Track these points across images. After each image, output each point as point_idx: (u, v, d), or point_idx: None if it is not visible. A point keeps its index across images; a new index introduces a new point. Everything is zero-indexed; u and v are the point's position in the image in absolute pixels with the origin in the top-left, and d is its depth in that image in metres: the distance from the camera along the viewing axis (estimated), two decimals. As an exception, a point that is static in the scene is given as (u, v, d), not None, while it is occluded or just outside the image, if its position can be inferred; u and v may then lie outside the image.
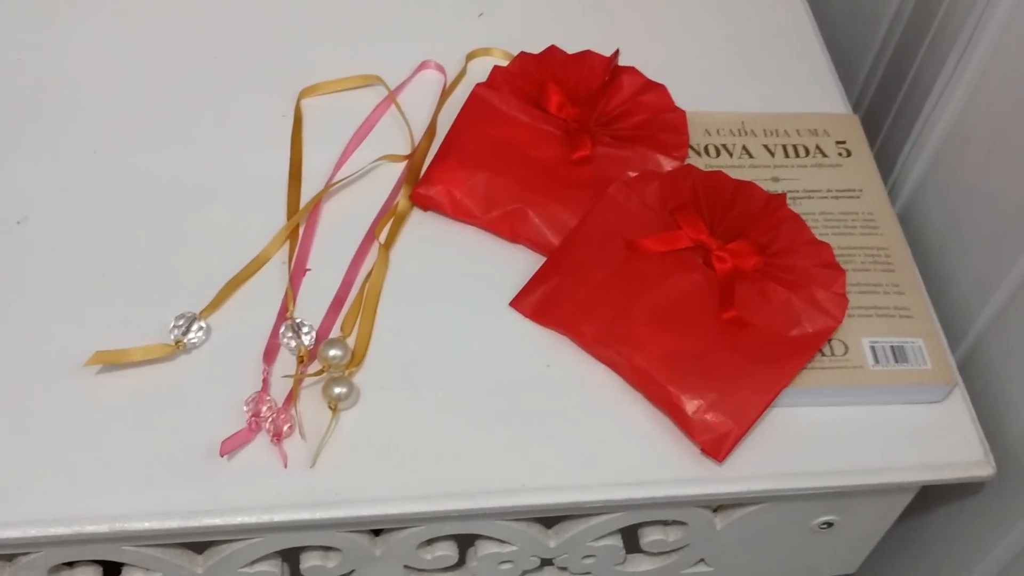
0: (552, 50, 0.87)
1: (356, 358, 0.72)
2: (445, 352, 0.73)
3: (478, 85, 0.84)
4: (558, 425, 0.71)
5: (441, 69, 0.90)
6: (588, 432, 0.71)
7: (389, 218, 0.79)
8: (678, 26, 0.95)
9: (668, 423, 0.71)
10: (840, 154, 0.85)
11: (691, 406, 0.70)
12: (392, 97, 0.87)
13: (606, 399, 0.72)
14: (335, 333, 0.73)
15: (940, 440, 0.73)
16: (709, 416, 0.70)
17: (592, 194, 0.79)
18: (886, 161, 0.91)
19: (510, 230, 0.79)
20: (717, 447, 0.69)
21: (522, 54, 0.86)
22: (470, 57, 0.90)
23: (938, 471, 0.72)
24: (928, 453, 0.72)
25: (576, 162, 0.81)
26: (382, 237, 0.78)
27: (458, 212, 0.79)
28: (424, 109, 0.87)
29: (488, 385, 0.72)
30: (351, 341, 0.73)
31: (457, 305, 0.76)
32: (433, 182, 0.80)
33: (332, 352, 0.71)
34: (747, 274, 0.74)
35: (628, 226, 0.77)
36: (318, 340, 0.72)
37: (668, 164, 0.81)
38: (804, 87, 0.91)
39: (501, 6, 0.95)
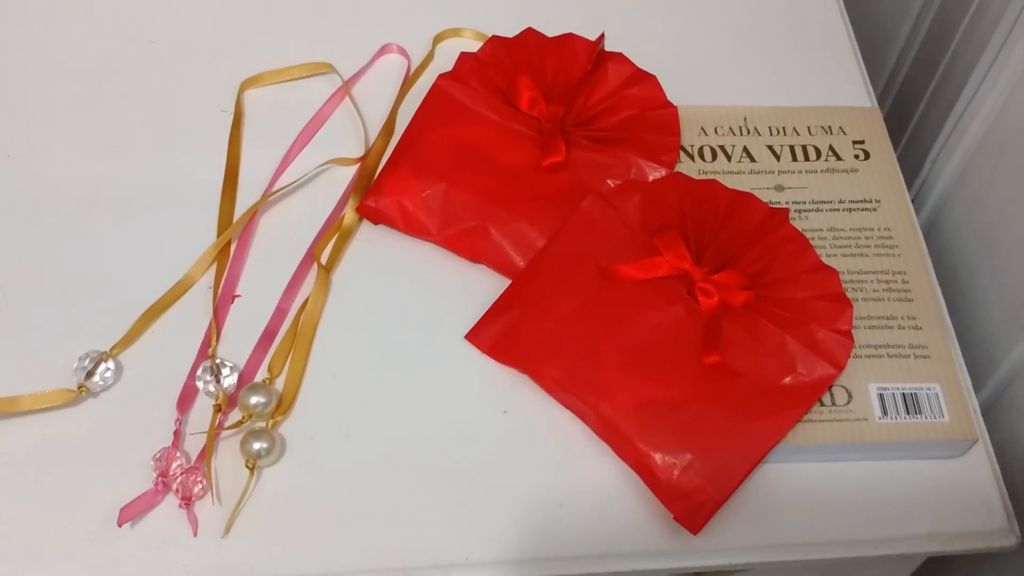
0: (528, 34, 0.76)
1: (284, 404, 0.63)
2: (388, 395, 0.64)
3: (440, 76, 0.74)
4: (513, 484, 0.62)
5: (404, 53, 0.79)
6: (547, 492, 0.62)
7: (333, 234, 0.70)
8: (676, 4, 0.84)
9: (639, 484, 0.62)
10: (857, 156, 0.74)
11: (664, 468, 0.61)
12: (346, 88, 0.77)
13: (569, 453, 0.63)
14: (262, 374, 0.65)
15: (956, 503, 0.63)
16: (684, 480, 0.60)
17: (565, 207, 0.69)
18: (911, 166, 0.80)
19: (469, 249, 0.69)
20: (691, 518, 0.60)
21: (493, 39, 0.76)
22: (438, 39, 0.80)
23: (951, 541, 0.62)
24: (942, 519, 0.63)
25: (548, 169, 0.70)
26: (324, 257, 0.69)
27: (411, 227, 0.70)
28: (383, 101, 0.77)
29: (435, 435, 0.63)
30: (280, 383, 0.64)
31: (405, 338, 0.67)
32: (383, 193, 0.70)
33: (254, 400, 0.62)
34: (736, 310, 0.64)
35: (603, 248, 0.67)
36: (241, 383, 0.64)
37: (654, 172, 0.71)
38: (822, 75, 0.80)
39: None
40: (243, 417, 0.62)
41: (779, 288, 0.65)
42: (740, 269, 0.65)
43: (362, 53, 0.79)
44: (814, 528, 0.62)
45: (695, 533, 0.60)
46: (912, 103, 0.84)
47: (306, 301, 0.67)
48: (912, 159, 0.78)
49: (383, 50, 0.79)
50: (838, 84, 0.79)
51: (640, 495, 0.62)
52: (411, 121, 0.73)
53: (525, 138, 0.72)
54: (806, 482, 0.63)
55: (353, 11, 0.82)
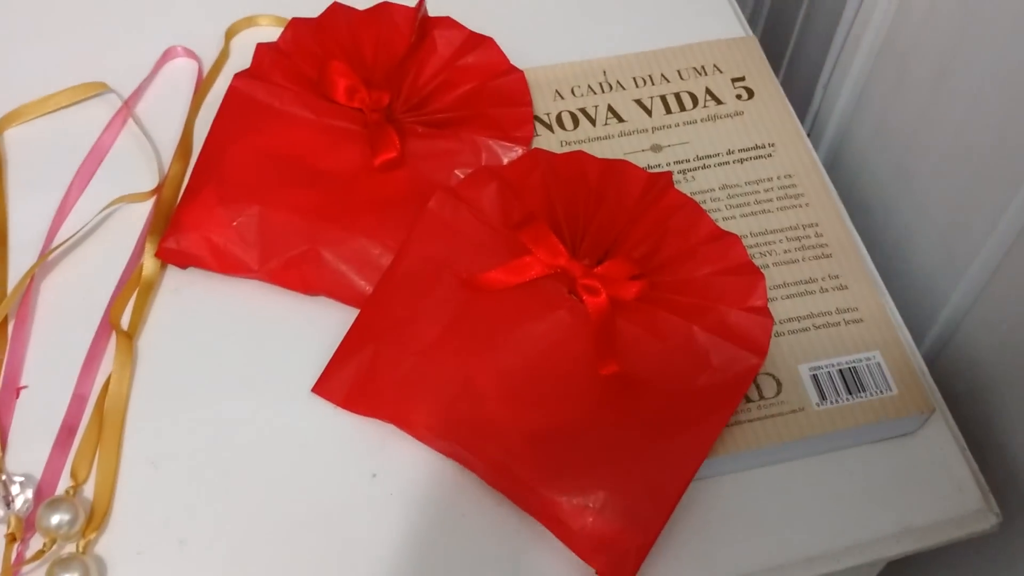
0: (335, 10, 0.64)
1: (96, 517, 0.50)
2: (227, 480, 0.52)
3: (236, 76, 0.61)
4: (397, 562, 0.50)
5: (192, 56, 0.66)
6: (440, 566, 0.50)
7: (131, 290, 0.57)
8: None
9: (550, 537, 0.51)
10: (739, 96, 0.63)
11: (574, 514, 0.49)
12: (127, 108, 0.63)
13: (460, 512, 0.52)
14: (65, 483, 0.52)
15: (922, 488, 0.54)
16: (600, 526, 0.49)
17: (409, 212, 0.57)
18: (799, 96, 0.69)
19: (301, 281, 0.57)
20: (618, 570, 0.49)
21: (294, 22, 0.63)
22: (230, 33, 0.67)
23: (924, 536, 0.53)
24: (909, 511, 0.53)
25: (382, 169, 0.58)
26: (124, 321, 0.56)
27: (225, 266, 0.57)
28: (176, 118, 0.64)
29: (292, 519, 0.51)
30: (88, 490, 0.51)
31: (239, 404, 0.54)
32: (185, 228, 0.57)
33: (56, 519, 0.49)
34: (629, 304, 0.53)
35: (461, 255, 0.55)
36: (38, 499, 0.51)
37: (509, 152, 0.59)
38: (682, 9, 0.69)
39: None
40: (45, 544, 0.49)
41: (675, 269, 0.54)
42: (626, 254, 0.54)
43: (143, 64, 0.66)
44: (766, 551, 0.51)
45: (625, 587, 0.49)
46: (786, 22, 0.73)
47: (108, 380, 0.54)
48: (799, 88, 0.68)
49: (167, 55, 0.66)
50: (702, 16, 0.69)
51: (556, 550, 0.50)
52: (208, 135, 0.60)
53: (349, 135, 0.59)
54: (746, 496, 0.53)
55: (126, 15, 0.68)
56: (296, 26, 0.63)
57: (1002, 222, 0.55)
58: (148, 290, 0.57)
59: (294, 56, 0.62)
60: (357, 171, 0.59)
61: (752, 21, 0.79)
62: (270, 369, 0.55)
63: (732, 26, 0.68)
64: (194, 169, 0.59)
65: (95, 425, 0.53)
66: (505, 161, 0.59)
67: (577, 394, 0.52)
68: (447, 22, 0.63)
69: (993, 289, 0.57)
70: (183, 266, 0.58)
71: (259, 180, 0.58)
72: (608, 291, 0.53)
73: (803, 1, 0.70)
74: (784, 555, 0.51)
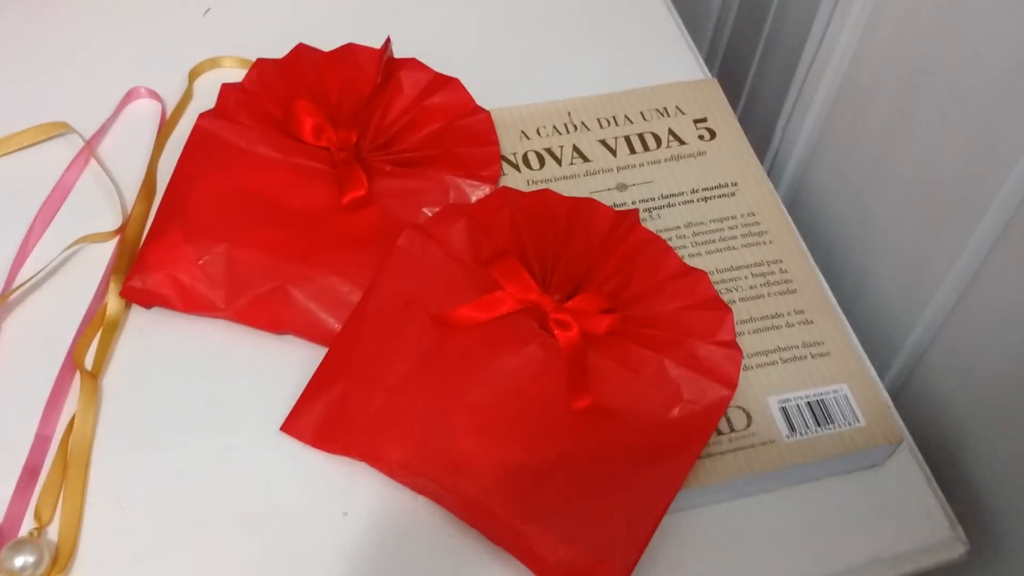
0: (300, 51, 0.64)
1: (61, 559, 0.49)
2: (195, 520, 0.51)
3: (201, 116, 0.61)
4: (369, 603, 0.50)
5: (156, 96, 0.66)
6: (413, 606, 0.50)
7: (95, 330, 0.56)
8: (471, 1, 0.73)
9: (527, 574, 0.50)
10: (702, 137, 0.64)
11: (548, 547, 0.49)
12: (89, 148, 0.63)
13: (435, 549, 0.51)
14: (28, 525, 0.50)
15: (891, 518, 0.54)
16: (576, 558, 0.49)
17: (378, 250, 0.57)
18: (757, 138, 0.70)
19: (269, 319, 0.56)
20: (595, 603, 0.49)
21: (259, 62, 0.63)
22: (194, 74, 0.67)
23: (895, 565, 0.53)
24: (879, 541, 0.53)
25: (350, 207, 0.58)
26: (88, 361, 0.55)
27: (192, 305, 0.56)
28: (139, 158, 0.63)
29: (261, 559, 0.50)
30: (53, 532, 0.50)
31: (206, 444, 0.53)
32: (150, 267, 0.56)
33: (20, 561, 0.48)
34: (601, 338, 0.53)
35: (432, 291, 0.55)
36: (0, 542, 0.49)
37: (476, 190, 0.60)
38: (644, 54, 0.71)
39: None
40: (7, 588, 0.48)
41: (644, 303, 0.55)
42: (596, 288, 0.55)
43: (106, 105, 0.65)
44: (738, 582, 0.51)
45: (602, 621, 0.49)
46: (742, 64, 0.75)
47: (72, 420, 0.53)
48: (756, 129, 0.69)
49: (129, 96, 0.65)
50: (663, 60, 0.70)
51: (528, 586, 0.50)
52: (173, 174, 0.59)
53: (316, 174, 0.59)
54: (720, 529, 0.53)
55: (88, 56, 0.68)
56: (261, 67, 0.63)
57: (963, 254, 0.56)
58: (112, 329, 0.56)
59: (259, 96, 0.62)
60: (325, 210, 0.59)
61: (708, 62, 0.80)
62: (238, 408, 0.55)
63: (691, 68, 0.69)
64: (159, 208, 0.59)
65: (59, 466, 0.52)
66: (473, 199, 0.59)
67: (551, 428, 0.51)
68: (413, 63, 0.64)
69: (955, 321, 0.58)
70: (148, 306, 0.57)
71: (225, 218, 0.57)
72: (580, 325, 0.53)
73: (759, 43, 0.72)
74: (754, 585, 0.51)
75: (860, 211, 0.64)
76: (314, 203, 0.59)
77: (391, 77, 0.63)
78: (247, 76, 0.63)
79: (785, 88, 0.69)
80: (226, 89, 0.62)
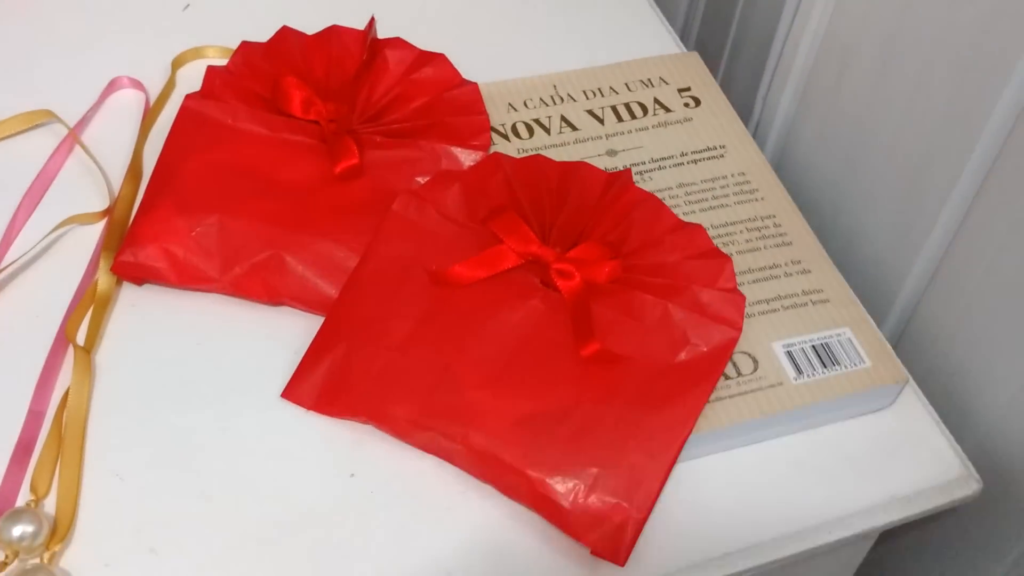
0: (285, 33, 0.64)
1: (60, 529, 0.47)
2: (197, 488, 0.50)
3: (188, 97, 0.60)
4: (383, 561, 0.48)
5: (139, 86, 0.65)
6: (427, 561, 0.48)
7: (87, 307, 0.55)
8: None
9: (538, 524, 0.49)
10: (687, 105, 0.65)
11: (564, 493, 0.48)
12: (74, 135, 0.62)
13: (444, 506, 0.50)
14: (24, 497, 0.49)
15: (902, 459, 0.54)
16: (593, 502, 0.48)
17: (372, 218, 0.57)
18: (740, 101, 0.71)
19: (265, 288, 0.55)
20: (613, 546, 0.47)
21: (244, 45, 0.63)
22: (177, 64, 0.66)
23: (910, 504, 0.52)
24: (892, 481, 0.53)
25: (342, 177, 0.58)
26: (80, 336, 0.54)
27: (185, 278, 0.55)
28: (124, 146, 0.63)
29: (269, 526, 0.49)
30: (50, 504, 0.48)
31: (205, 413, 0.52)
32: (141, 241, 0.55)
33: (18, 531, 0.46)
34: (603, 288, 0.53)
35: (429, 251, 0.55)
36: (-4, 514, 0.48)
37: (468, 157, 0.59)
38: (620, 33, 0.71)
39: (213, -7, 0.72)
40: (7, 557, 0.46)
41: (644, 255, 0.55)
42: (596, 240, 0.54)
43: (89, 95, 0.65)
44: (759, 526, 0.51)
45: (622, 564, 0.48)
46: (718, 39, 0.76)
47: (66, 395, 0.51)
48: (737, 101, 0.69)
49: (112, 85, 0.65)
50: (640, 38, 0.71)
51: (544, 536, 0.49)
52: (162, 152, 0.59)
53: (306, 148, 0.59)
54: (731, 475, 0.52)
55: (71, 47, 0.67)
56: (246, 49, 0.63)
57: (952, 195, 0.57)
58: (104, 305, 0.55)
59: (245, 77, 0.62)
60: (317, 182, 0.58)
61: (683, 39, 0.81)
62: (237, 378, 0.53)
63: (666, 45, 0.70)
64: (148, 185, 0.58)
65: (54, 439, 0.50)
66: (465, 167, 0.59)
67: (558, 377, 0.51)
68: (397, 42, 0.64)
69: (947, 269, 0.58)
70: (140, 281, 0.56)
71: (217, 191, 0.57)
72: (582, 274, 0.52)
73: (734, 16, 0.73)
74: (777, 528, 0.51)
75: (847, 170, 0.64)
76: (305, 176, 0.58)
77: (376, 56, 0.63)
78: (232, 59, 0.63)
79: (763, 59, 0.69)
80: (211, 71, 0.62)
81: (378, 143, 0.59)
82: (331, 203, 0.57)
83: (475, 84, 0.62)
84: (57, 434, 0.50)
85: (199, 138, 0.59)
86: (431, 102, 0.61)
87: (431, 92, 0.62)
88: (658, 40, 0.71)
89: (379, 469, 0.51)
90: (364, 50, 0.62)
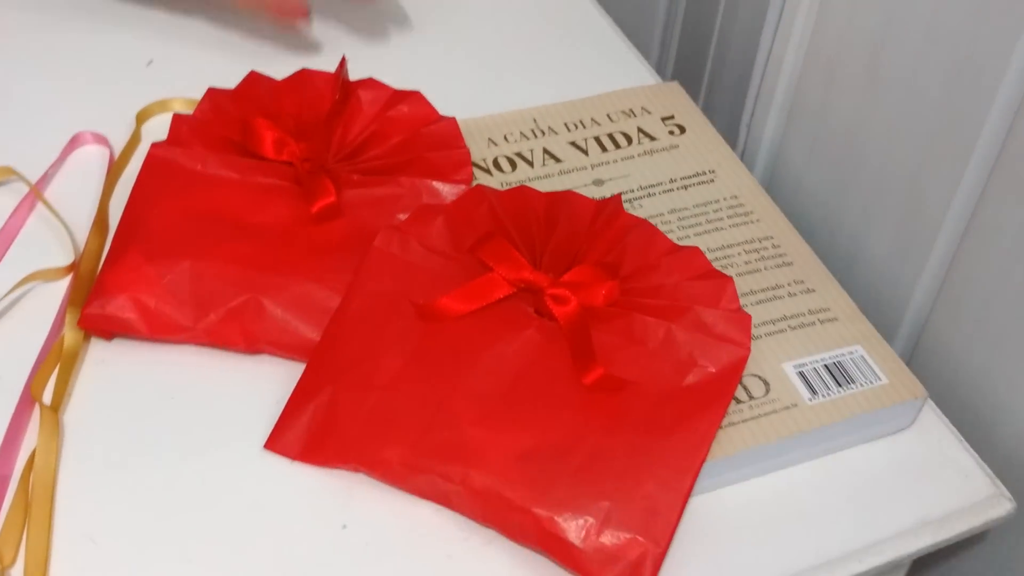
0: (253, 78, 0.62)
1: (28, 599, 0.43)
2: (178, 550, 0.46)
3: (154, 145, 0.58)
4: (380, 616, 0.44)
5: (103, 141, 0.63)
6: (429, 614, 0.45)
7: (53, 364, 0.51)
8: (420, 22, 0.72)
9: (548, 568, 0.46)
10: (672, 132, 0.63)
11: (575, 531, 0.45)
12: (36, 192, 0.59)
13: (443, 555, 0.46)
14: (-13, 567, 0.45)
15: (929, 481, 0.51)
16: (607, 538, 0.44)
17: (353, 256, 0.54)
18: (724, 129, 0.69)
19: (243, 336, 0.52)
20: (633, 583, 0.44)
21: (211, 92, 0.61)
22: (142, 117, 0.64)
23: (943, 527, 0.49)
24: (921, 504, 0.50)
25: (320, 217, 0.55)
26: (47, 396, 0.50)
27: (158, 328, 0.52)
28: (88, 202, 0.60)
29: (257, 582, 0.45)
30: (17, 573, 0.44)
31: (184, 469, 0.48)
32: (109, 291, 0.52)
33: (-20, 602, 0.42)
34: (601, 312, 0.50)
35: (415, 286, 0.52)
36: (-43, 587, 0.44)
37: (451, 191, 0.57)
38: (596, 71, 0.70)
39: (177, 49, 0.69)
40: (-32, 634, 0.42)
41: (641, 278, 0.52)
42: (591, 263, 0.52)
43: (50, 151, 0.62)
44: (785, 558, 0.47)
45: (643, 603, 0.44)
46: (695, 70, 0.74)
47: (32, 456, 0.48)
48: (720, 130, 0.67)
49: (75, 141, 0.62)
50: (615, 74, 0.69)
51: (554, 578, 0.46)
52: (128, 201, 0.56)
53: (279, 191, 0.56)
54: (753, 506, 0.49)
55: (30, 103, 0.65)
56: (213, 95, 0.61)
57: (955, 201, 0.55)
58: (72, 361, 0.51)
59: (213, 124, 0.59)
60: (292, 225, 0.55)
61: (659, 71, 0.80)
62: (215, 431, 0.50)
63: (644, 80, 0.68)
64: (115, 235, 0.55)
65: (20, 503, 0.46)
66: (447, 201, 0.57)
67: (561, 408, 0.48)
68: (370, 83, 0.61)
69: (954, 280, 0.56)
70: (109, 336, 0.53)
71: (187, 237, 0.54)
72: (578, 298, 0.50)
73: (710, 46, 0.71)
74: (804, 560, 0.47)
75: (840, 185, 0.62)
76: (279, 219, 0.55)
77: (350, 96, 0.61)
78: (199, 106, 0.60)
79: (744, 84, 0.68)
80: (177, 119, 0.59)
81: (356, 181, 0.57)
82: (309, 244, 0.54)
83: (453, 119, 0.60)
84: (24, 498, 0.46)
85: (167, 185, 0.56)
86: (408, 139, 0.59)
87: (408, 129, 0.59)
88: (634, 74, 0.69)
89: (373, 519, 0.47)
90: (337, 90, 0.60)
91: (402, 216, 0.56)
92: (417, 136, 0.59)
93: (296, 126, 0.59)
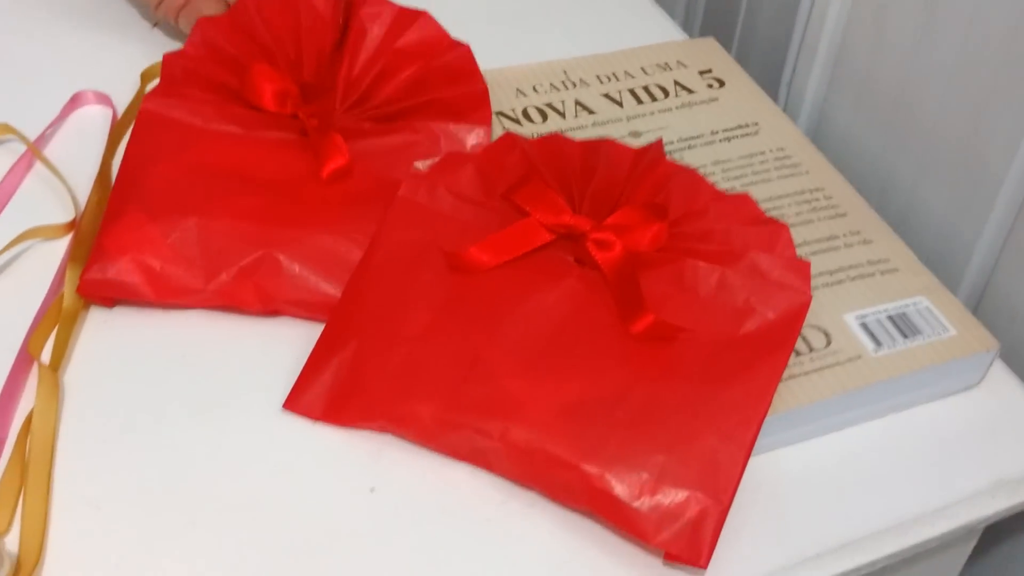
0: (245, 2, 0.56)
1: (25, 568, 0.39)
2: (190, 515, 0.42)
3: (147, 97, 0.53)
4: (413, 584, 0.40)
5: (106, 100, 0.59)
6: (466, 582, 0.40)
7: (52, 323, 0.47)
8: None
9: (597, 531, 0.42)
10: (711, 86, 0.59)
11: (628, 487, 0.41)
12: (33, 149, 0.55)
13: (480, 519, 0.42)
14: (-20, 534, 0.41)
15: (1001, 438, 0.47)
16: (662, 496, 0.40)
17: (373, 206, 0.50)
18: (760, 85, 0.65)
19: (257, 296, 0.48)
20: (691, 545, 0.40)
21: (201, 23, 0.55)
22: (147, 77, 0.60)
23: (1019, 489, 0.45)
24: (994, 463, 0.46)
25: (332, 179, 0.51)
26: (44, 354, 0.46)
27: (165, 292, 0.48)
28: (90, 161, 0.56)
29: (281, 553, 0.41)
30: (12, 541, 0.40)
31: (196, 431, 0.44)
32: (110, 254, 0.48)
33: (-27, 569, 0.38)
34: (648, 258, 0.46)
35: (445, 235, 0.48)
36: (-54, 554, 0.39)
37: (471, 135, 0.53)
38: (620, 27, 0.66)
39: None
40: (-41, 603, 0.38)
41: (689, 223, 0.48)
42: (636, 205, 0.48)
43: (52, 111, 0.58)
44: (850, 522, 0.43)
45: (704, 566, 0.40)
46: (723, 31, 0.71)
47: (29, 417, 0.44)
48: (767, 73, 0.64)
49: (76, 100, 0.58)
50: (643, 32, 0.66)
51: (605, 544, 0.41)
52: (123, 158, 0.51)
53: (287, 145, 0.52)
54: (814, 467, 0.45)
55: (33, 62, 0.61)
56: (204, 27, 0.55)
57: (1017, 158, 0.51)
58: (71, 322, 0.47)
59: (207, 62, 0.54)
60: (304, 178, 0.51)
61: (686, 28, 0.76)
62: (230, 391, 0.46)
63: (672, 37, 0.65)
64: (112, 195, 0.50)
65: (16, 467, 0.42)
66: (468, 145, 0.53)
67: (607, 358, 0.44)
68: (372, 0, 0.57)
69: (1019, 235, 0.52)
70: (111, 303, 0.49)
71: (191, 193, 0.50)
72: (623, 242, 0.46)
73: (740, 5, 0.68)
74: (871, 524, 0.43)
75: (892, 138, 0.58)
76: (289, 174, 0.51)
77: (352, 18, 0.56)
78: (189, 40, 0.55)
79: (782, 42, 0.64)
80: (169, 59, 0.54)
81: (368, 131, 0.52)
82: (323, 196, 0.50)
83: (467, 47, 0.55)
84: (20, 461, 0.42)
85: (164, 143, 0.52)
86: (420, 73, 0.54)
87: (418, 60, 0.55)
88: (662, 32, 0.66)
89: (403, 481, 0.43)
90: (339, 11, 0.55)
91: (420, 165, 0.52)
92: (429, 70, 0.54)
93: (297, 62, 0.54)
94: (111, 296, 0.49)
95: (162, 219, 0.49)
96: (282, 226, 0.49)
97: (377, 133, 0.53)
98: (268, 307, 0.48)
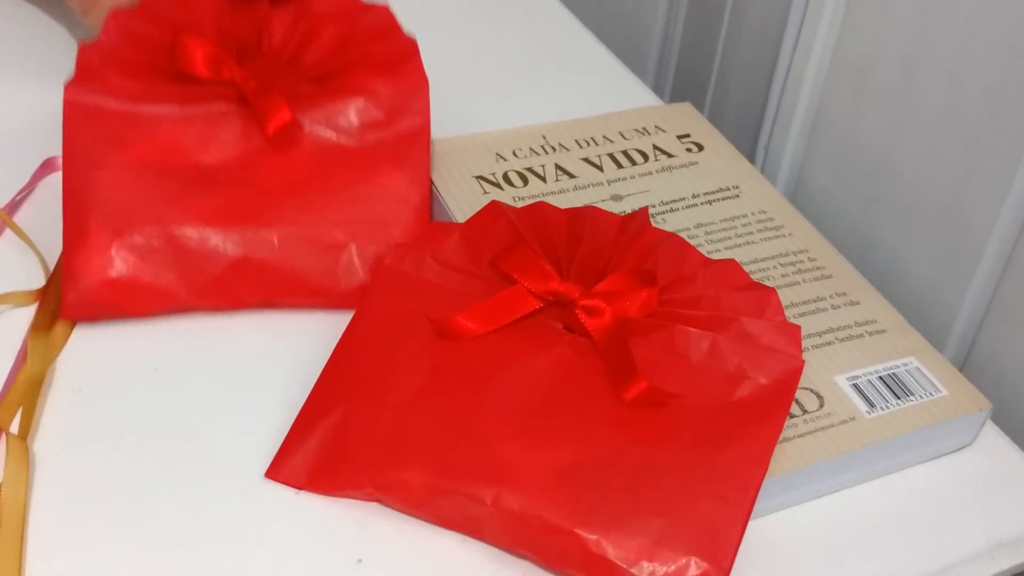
0: None
1: (-5, 648, 0.37)
2: (169, 589, 0.40)
3: (68, 88, 0.50)
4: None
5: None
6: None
7: (20, 393, 0.46)
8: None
9: (592, 599, 0.40)
10: (690, 150, 0.59)
11: (626, 553, 0.39)
12: (3, 216, 0.54)
13: (474, 588, 0.41)
14: (-54, 613, 0.39)
15: (997, 497, 0.46)
16: (662, 560, 0.39)
17: (334, 182, 0.51)
18: (739, 141, 0.65)
19: (243, 291, 0.49)
20: (694, 612, 0.39)
21: (114, 13, 0.53)
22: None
23: (1019, 549, 0.44)
24: (992, 523, 0.45)
25: (278, 140, 0.50)
26: (13, 425, 0.45)
27: (146, 304, 0.49)
28: (60, 228, 0.54)
29: (261, 626, 0.39)
30: (-19, 619, 0.38)
31: (174, 502, 0.43)
32: (83, 276, 0.48)
33: (-61, 650, 0.36)
34: (638, 324, 0.45)
35: (432, 303, 0.47)
36: (-89, 635, 0.37)
37: (410, 90, 0.52)
38: (594, 94, 0.66)
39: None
40: None
41: (679, 290, 0.48)
42: (625, 271, 0.47)
43: (24, 176, 0.57)
44: (852, 584, 0.42)
45: (707, 635, 0.39)
46: (693, 95, 0.71)
47: (-1, 489, 0.42)
48: (742, 138, 0.64)
49: (46, 166, 0.57)
50: (618, 98, 0.66)
51: (602, 612, 0.40)
52: (64, 160, 0.49)
53: (224, 117, 0.51)
54: (811, 531, 0.44)
55: (2, 127, 0.60)
56: (118, 18, 0.53)
57: (1003, 215, 0.51)
58: (36, 390, 0.46)
59: (124, 48, 0.52)
60: (252, 157, 0.50)
61: (657, 87, 0.77)
62: (210, 460, 0.44)
63: (647, 102, 0.65)
64: (65, 207, 0.49)
65: (-14, 542, 0.40)
66: (411, 103, 0.52)
67: (601, 423, 0.43)
68: None
69: (1007, 290, 0.52)
70: (97, 317, 0.48)
71: (149, 197, 0.49)
72: (613, 309, 0.45)
73: (713, 64, 0.68)
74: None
75: (873, 199, 0.59)
76: (236, 152, 0.50)
77: None
78: (103, 30, 0.52)
79: (755, 105, 0.65)
80: (84, 50, 0.51)
81: (307, 92, 0.51)
82: (282, 181, 0.50)
83: (385, 6, 0.54)
84: (-11, 536, 0.40)
85: (101, 135, 0.50)
86: (344, 34, 0.54)
87: (339, 21, 0.54)
88: (637, 98, 0.66)
89: (391, 552, 0.42)
90: None
91: (355, 121, 0.51)
92: (353, 30, 0.54)
93: (219, 29, 0.53)
94: (94, 315, 0.48)
95: (127, 233, 0.49)
96: (250, 220, 0.49)
97: (315, 95, 0.51)
98: (266, 302, 0.49)
